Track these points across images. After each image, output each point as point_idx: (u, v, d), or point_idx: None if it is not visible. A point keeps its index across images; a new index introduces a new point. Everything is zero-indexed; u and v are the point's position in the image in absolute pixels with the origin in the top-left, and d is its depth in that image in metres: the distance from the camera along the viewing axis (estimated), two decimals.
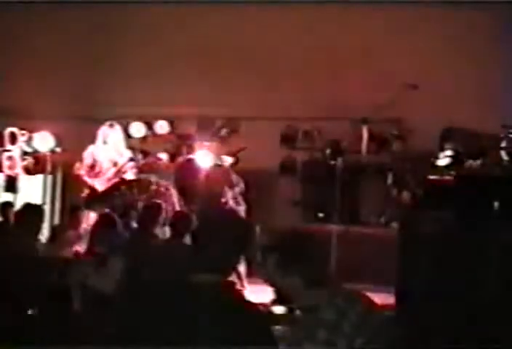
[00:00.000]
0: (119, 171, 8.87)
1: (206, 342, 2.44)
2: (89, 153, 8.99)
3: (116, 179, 8.89)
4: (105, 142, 8.91)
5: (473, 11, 9.56)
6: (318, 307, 2.96)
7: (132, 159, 9.19)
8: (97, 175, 8.80)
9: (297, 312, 3.12)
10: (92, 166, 8.82)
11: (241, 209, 8.47)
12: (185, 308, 2.51)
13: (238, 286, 7.63)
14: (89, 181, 8.74)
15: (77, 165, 9.17)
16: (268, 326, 2.62)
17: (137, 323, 2.54)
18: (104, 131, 9.06)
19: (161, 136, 10.79)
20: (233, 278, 7.88)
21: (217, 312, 2.49)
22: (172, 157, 10.53)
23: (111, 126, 9.09)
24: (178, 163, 9.45)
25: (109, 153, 8.88)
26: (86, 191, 8.56)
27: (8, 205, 8.75)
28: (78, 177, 9.15)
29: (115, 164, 8.86)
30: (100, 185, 8.74)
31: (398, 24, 10.09)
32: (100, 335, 2.59)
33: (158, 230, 7.54)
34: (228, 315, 2.50)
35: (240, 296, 2.76)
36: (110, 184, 8.84)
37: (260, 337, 2.49)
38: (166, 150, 10.54)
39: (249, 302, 2.74)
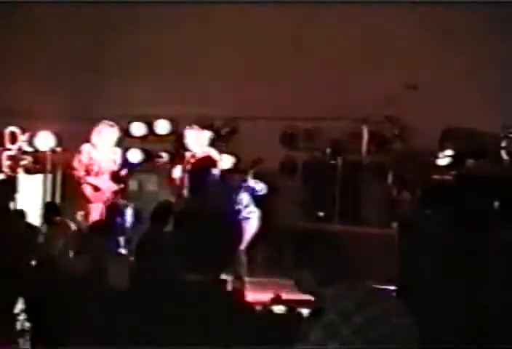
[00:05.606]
0: (117, 171, 8.90)
1: (196, 342, 2.43)
2: (86, 153, 9.00)
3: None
4: (99, 142, 8.93)
5: (473, 11, 9.56)
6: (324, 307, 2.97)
7: (127, 161, 9.21)
8: (93, 174, 8.83)
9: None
10: (89, 166, 8.85)
11: (250, 216, 8.28)
12: (174, 307, 2.51)
13: (236, 285, 7.63)
14: (86, 180, 8.76)
15: (74, 164, 9.20)
16: (261, 324, 2.60)
17: (128, 322, 2.53)
18: (98, 130, 9.08)
19: (161, 135, 10.79)
20: (230, 278, 7.86)
21: (207, 311, 2.48)
22: (173, 157, 10.54)
23: (106, 125, 9.11)
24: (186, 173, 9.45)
25: (104, 152, 8.90)
26: (83, 190, 8.60)
27: None
28: (76, 176, 9.17)
29: (112, 164, 8.88)
30: (96, 183, 8.76)
31: (399, 24, 10.09)
32: (95, 335, 2.58)
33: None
34: (218, 314, 2.49)
35: (230, 295, 2.76)
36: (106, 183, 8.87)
37: (250, 336, 2.48)
38: (166, 150, 10.55)
39: (240, 301, 2.73)
